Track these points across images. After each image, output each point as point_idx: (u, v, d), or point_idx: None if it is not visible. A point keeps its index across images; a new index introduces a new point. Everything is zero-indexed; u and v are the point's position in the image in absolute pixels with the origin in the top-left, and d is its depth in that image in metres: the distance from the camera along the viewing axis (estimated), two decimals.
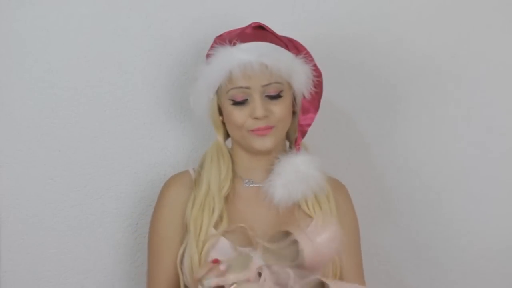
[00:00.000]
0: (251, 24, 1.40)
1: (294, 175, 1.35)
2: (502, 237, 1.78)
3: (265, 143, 1.34)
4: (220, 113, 1.40)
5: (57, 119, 1.60)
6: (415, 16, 1.73)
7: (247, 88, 1.34)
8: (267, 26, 1.40)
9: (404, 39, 1.72)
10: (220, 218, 1.35)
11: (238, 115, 1.35)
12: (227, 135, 1.43)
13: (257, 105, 1.33)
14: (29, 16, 1.58)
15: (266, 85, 1.34)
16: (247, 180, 1.40)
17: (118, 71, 1.62)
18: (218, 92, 1.38)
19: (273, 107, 1.35)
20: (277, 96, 1.35)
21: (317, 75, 1.40)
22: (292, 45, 1.40)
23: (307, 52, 1.40)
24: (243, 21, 1.43)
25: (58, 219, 1.61)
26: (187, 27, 1.64)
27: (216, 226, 1.35)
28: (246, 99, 1.34)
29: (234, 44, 1.35)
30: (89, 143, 1.62)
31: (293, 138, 1.42)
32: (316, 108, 1.41)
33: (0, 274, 1.59)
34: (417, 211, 1.75)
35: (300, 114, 1.39)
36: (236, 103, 1.35)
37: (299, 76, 1.37)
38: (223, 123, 1.41)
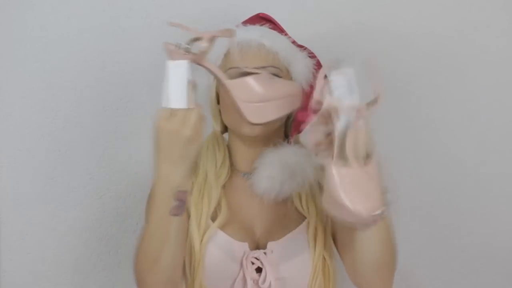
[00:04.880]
0: (258, 14, 1.41)
1: (279, 166, 1.32)
2: (502, 237, 1.78)
3: (255, 127, 1.29)
4: (218, 101, 1.38)
5: (57, 119, 1.60)
6: (416, 15, 1.73)
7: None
8: (273, 18, 1.41)
9: (404, 38, 1.72)
10: (219, 207, 1.33)
11: None
12: (224, 129, 1.41)
13: None
14: (29, 16, 1.58)
15: (263, 67, 1.31)
16: (244, 172, 1.39)
17: (118, 71, 1.62)
18: None
19: None
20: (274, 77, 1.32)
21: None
22: (297, 44, 1.39)
23: (318, 61, 1.39)
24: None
25: (58, 219, 1.61)
26: None
27: (214, 215, 1.33)
28: None
29: (237, 26, 1.36)
30: (89, 143, 1.62)
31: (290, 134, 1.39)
32: None
33: (0, 274, 1.59)
34: (417, 211, 1.75)
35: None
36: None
37: (298, 64, 1.35)
38: (221, 113, 1.38)
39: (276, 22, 1.41)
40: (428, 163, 1.75)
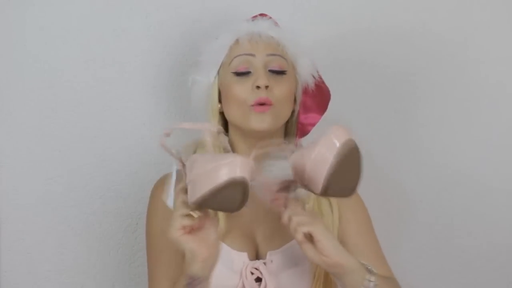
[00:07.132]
0: (261, 14, 1.41)
1: (282, 171, 1.32)
2: (502, 237, 1.78)
3: (263, 120, 1.30)
4: (219, 100, 1.37)
5: (57, 119, 1.60)
6: (416, 15, 1.73)
7: (252, 55, 1.32)
8: (275, 19, 1.41)
9: (404, 39, 1.72)
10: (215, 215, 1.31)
11: (239, 88, 1.31)
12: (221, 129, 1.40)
13: (260, 74, 1.31)
14: (29, 16, 1.58)
15: (271, 54, 1.32)
16: None
17: (118, 71, 1.62)
18: (220, 72, 1.36)
19: (274, 84, 1.32)
20: (280, 73, 1.33)
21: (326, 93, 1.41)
22: None
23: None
24: None
25: (58, 219, 1.61)
26: (187, 27, 1.64)
27: None
28: (250, 72, 1.32)
29: (246, 20, 1.37)
30: (89, 143, 1.62)
31: (292, 137, 1.39)
32: (321, 109, 1.40)
33: (0, 274, 1.59)
34: (417, 211, 1.75)
35: (300, 109, 1.38)
36: (239, 74, 1.32)
37: (304, 60, 1.36)
38: (220, 113, 1.38)
39: (277, 23, 1.41)
40: (428, 163, 1.75)
